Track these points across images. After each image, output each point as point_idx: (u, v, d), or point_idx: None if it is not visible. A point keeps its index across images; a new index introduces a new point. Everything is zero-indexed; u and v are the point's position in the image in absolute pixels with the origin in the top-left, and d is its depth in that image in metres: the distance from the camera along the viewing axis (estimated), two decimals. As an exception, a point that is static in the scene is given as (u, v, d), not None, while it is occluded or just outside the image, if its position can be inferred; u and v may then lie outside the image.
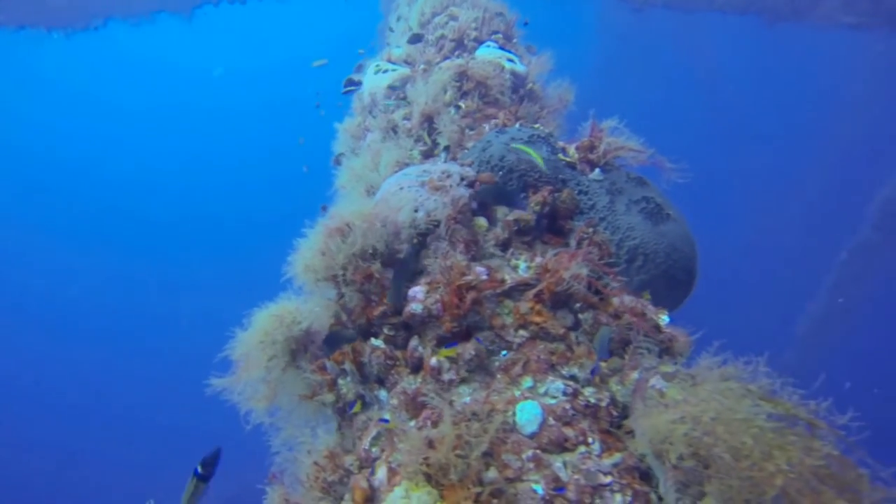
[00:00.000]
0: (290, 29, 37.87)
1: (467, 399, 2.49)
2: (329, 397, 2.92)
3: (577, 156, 3.91)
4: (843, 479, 1.71)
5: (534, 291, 2.82)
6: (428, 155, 4.41)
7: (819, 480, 1.71)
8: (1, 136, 34.46)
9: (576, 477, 2.17)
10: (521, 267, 3.11)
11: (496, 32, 7.05)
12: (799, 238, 23.63)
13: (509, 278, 2.91)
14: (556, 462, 2.24)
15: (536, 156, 3.50)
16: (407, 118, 4.91)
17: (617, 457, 2.27)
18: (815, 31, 12.38)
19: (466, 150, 4.10)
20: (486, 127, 4.70)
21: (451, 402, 2.38)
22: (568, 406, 2.41)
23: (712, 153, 27.59)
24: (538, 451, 2.25)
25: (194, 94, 39.97)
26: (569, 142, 4.22)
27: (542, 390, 2.50)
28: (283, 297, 3.07)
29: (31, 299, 27.12)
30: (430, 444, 2.11)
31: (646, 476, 2.24)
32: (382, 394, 2.80)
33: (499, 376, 2.59)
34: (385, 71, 5.49)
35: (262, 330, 2.91)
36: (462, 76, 5.20)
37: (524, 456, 2.22)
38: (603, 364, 2.67)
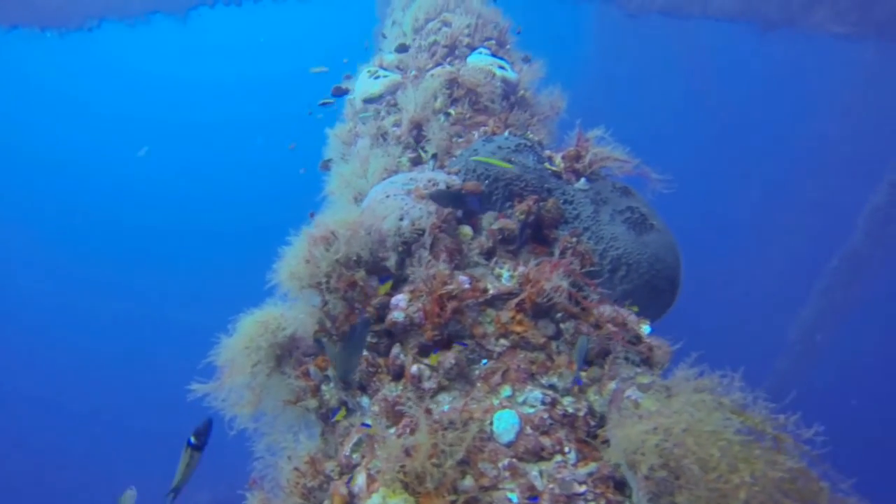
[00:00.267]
0: (286, 31, 37.86)
1: (446, 407, 2.52)
2: (312, 403, 2.95)
3: (563, 165, 3.95)
4: (805, 492, 1.76)
5: (515, 301, 2.86)
6: (417, 162, 4.45)
7: (781, 493, 1.75)
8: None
9: (551, 486, 2.21)
10: (504, 276, 3.15)
11: (489, 39, 7.10)
12: (791, 244, 23.79)
13: (492, 287, 2.95)
14: (532, 471, 2.28)
15: (501, 164, 3.55)
16: (397, 125, 4.95)
17: (592, 466, 2.30)
18: (807, 39, 12.49)
19: (454, 158, 4.13)
20: (476, 134, 4.74)
21: (429, 411, 2.41)
22: (546, 415, 2.45)
23: (706, 159, 27.77)
24: (514, 460, 2.28)
25: (187, 97, 39.92)
26: (557, 150, 4.26)
27: (520, 399, 2.54)
28: (269, 303, 3.10)
29: (18, 302, 26.99)
30: (408, 452, 2.15)
31: (620, 486, 2.27)
32: (365, 400, 2.83)
33: (478, 385, 2.63)
34: (377, 77, 5.53)
35: (247, 336, 2.94)
36: (452, 83, 5.23)
37: (500, 465, 2.26)
38: (583, 374, 2.71)
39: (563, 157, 4.00)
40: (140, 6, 10.76)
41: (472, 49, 6.56)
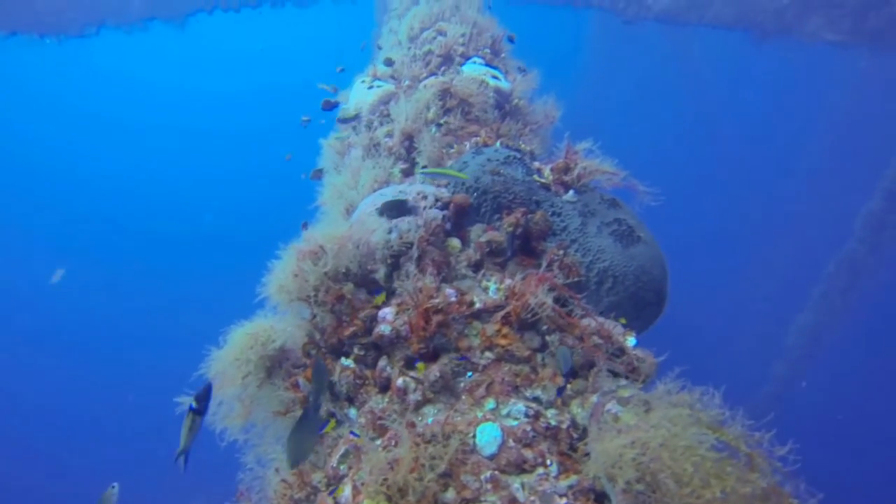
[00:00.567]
0: (285, 38, 38.00)
1: (430, 420, 2.56)
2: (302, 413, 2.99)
3: (552, 177, 4.00)
4: (774, 508, 1.80)
5: (501, 314, 2.91)
6: (409, 173, 4.49)
7: (751, 508, 1.79)
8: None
9: (532, 498, 2.25)
10: (491, 288, 3.19)
11: (484, 48, 7.16)
12: (787, 250, 23.86)
13: (478, 301, 2.99)
14: (514, 483, 2.32)
15: (453, 173, 3.62)
16: (389, 135, 4.99)
17: (573, 479, 2.35)
18: (802, 47, 12.57)
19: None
20: (467, 145, 4.79)
21: (412, 424, 2.45)
22: (529, 428, 2.49)
23: (703, 167, 27.88)
24: (496, 473, 2.32)
25: (185, 103, 40.03)
26: (547, 162, 4.31)
27: (504, 412, 2.58)
28: (260, 315, 3.14)
29: (15, 307, 26.99)
30: (392, 465, 2.19)
31: (600, 498, 2.31)
32: (352, 412, 2.87)
33: (463, 397, 2.67)
34: (371, 87, 5.58)
35: (237, 348, 2.98)
36: (445, 93, 5.28)
37: (482, 477, 2.30)
38: (567, 386, 2.75)
39: (551, 170, 4.05)
40: (138, 13, 10.83)
41: (467, 58, 6.61)
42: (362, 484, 2.32)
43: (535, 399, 2.68)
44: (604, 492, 2.32)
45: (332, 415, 2.90)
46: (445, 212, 3.49)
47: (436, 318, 2.71)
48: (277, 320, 3.07)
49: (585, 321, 3.03)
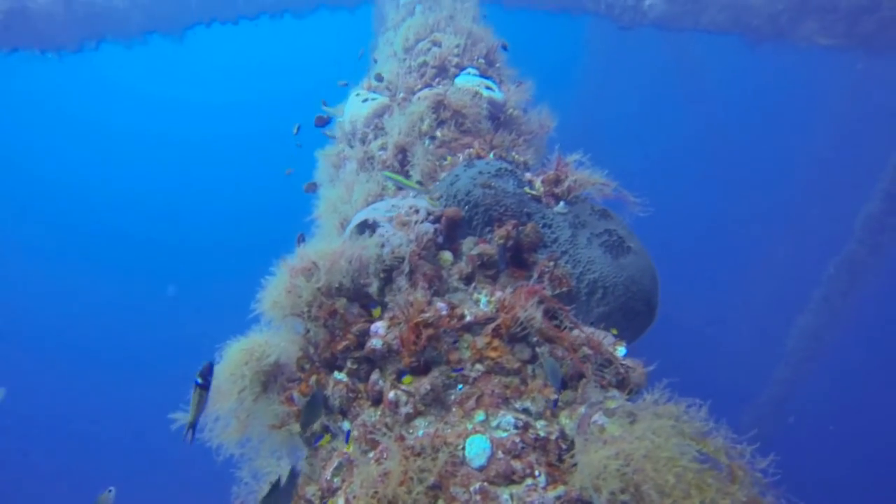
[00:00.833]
0: (284, 50, 38.27)
1: (421, 432, 2.61)
2: (296, 427, 3.04)
3: (542, 189, 4.06)
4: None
5: (492, 326, 2.95)
6: (402, 186, 4.54)
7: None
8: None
9: (520, 509, 2.29)
10: (482, 301, 3.24)
11: (478, 58, 7.22)
12: (787, 252, 23.88)
13: (469, 314, 3.04)
14: (503, 494, 2.36)
15: (408, 183, 3.71)
16: (383, 148, 5.05)
17: (561, 489, 2.39)
18: (798, 51, 12.64)
19: (437, 183, 4.24)
20: (461, 157, 4.84)
21: (402, 437, 2.50)
22: (518, 439, 2.53)
23: (703, 168, 27.94)
24: (486, 484, 2.37)
25: (185, 114, 40.32)
26: (538, 174, 4.37)
27: (494, 423, 2.62)
28: (255, 330, 3.20)
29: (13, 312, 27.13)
30: (382, 478, 2.24)
31: (588, 508, 2.35)
32: (346, 425, 2.92)
33: (454, 409, 2.71)
34: (366, 100, 5.65)
35: (232, 363, 3.04)
36: (439, 105, 5.34)
37: (472, 489, 2.34)
38: (556, 397, 2.79)
39: (542, 181, 4.10)
40: (138, 27, 10.95)
41: (462, 69, 6.68)
42: (354, 497, 2.37)
43: (525, 410, 2.72)
44: (591, 502, 2.36)
45: (326, 427, 2.95)
46: (437, 225, 3.54)
47: (426, 332, 2.76)
48: (272, 335, 3.12)
49: (575, 332, 3.08)
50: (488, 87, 6.04)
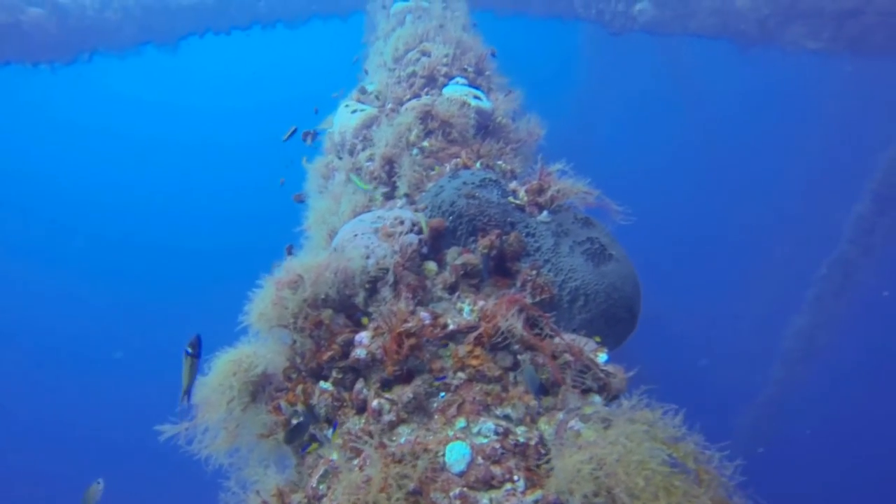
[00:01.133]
0: (276, 60, 38.49)
1: (403, 440, 2.68)
2: (284, 436, 3.11)
3: (526, 198, 4.14)
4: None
5: (474, 335, 3.03)
6: (390, 197, 4.63)
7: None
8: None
9: (499, 513, 2.36)
10: (465, 310, 3.32)
11: (468, 67, 7.30)
12: (780, 254, 24.03)
13: (452, 323, 3.12)
14: (483, 499, 2.43)
15: (365, 186, 3.81)
16: (371, 159, 5.13)
17: (538, 493, 2.45)
18: (787, 55, 12.78)
19: (423, 194, 4.32)
20: (448, 167, 4.92)
21: (383, 444, 2.57)
22: (498, 445, 2.60)
23: (697, 173, 28.11)
24: (465, 490, 2.44)
25: (178, 123, 40.49)
26: (522, 183, 4.45)
27: (474, 430, 2.69)
28: (243, 341, 3.27)
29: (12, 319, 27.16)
30: (363, 485, 2.31)
31: (565, 511, 2.42)
32: (331, 433, 2.99)
33: (436, 417, 2.78)
34: (354, 112, 5.73)
35: (220, 374, 3.10)
36: (427, 115, 5.42)
37: (451, 494, 2.41)
38: (536, 403, 2.87)
39: (526, 191, 4.18)
40: (131, 39, 11.04)
41: (451, 78, 6.76)
42: (337, 503, 2.43)
43: (506, 417, 2.79)
44: (568, 506, 2.43)
45: (313, 436, 3.02)
46: (422, 236, 3.62)
47: (409, 342, 2.83)
48: (259, 346, 3.19)
49: (556, 340, 3.15)
50: (476, 97, 6.12)
